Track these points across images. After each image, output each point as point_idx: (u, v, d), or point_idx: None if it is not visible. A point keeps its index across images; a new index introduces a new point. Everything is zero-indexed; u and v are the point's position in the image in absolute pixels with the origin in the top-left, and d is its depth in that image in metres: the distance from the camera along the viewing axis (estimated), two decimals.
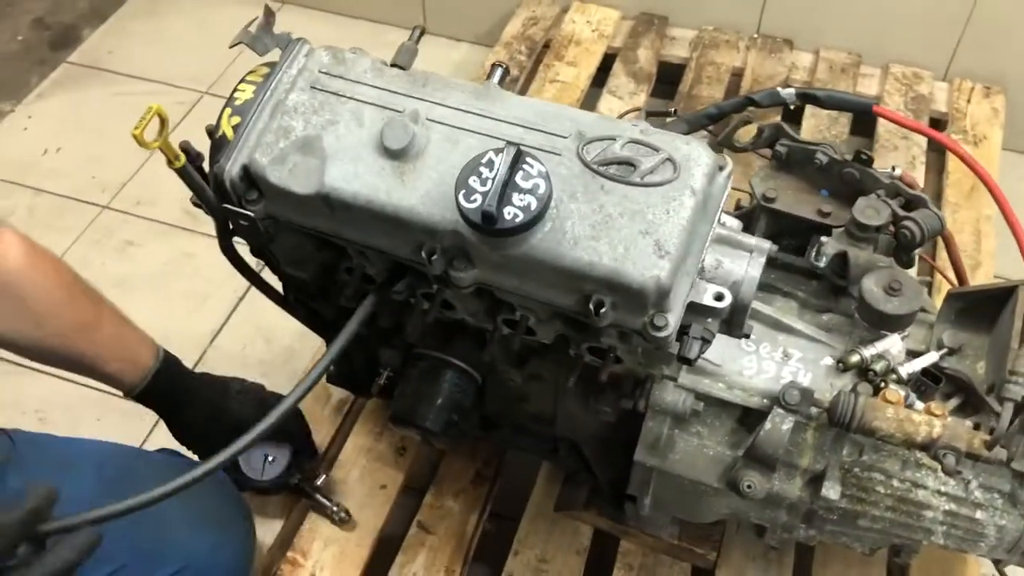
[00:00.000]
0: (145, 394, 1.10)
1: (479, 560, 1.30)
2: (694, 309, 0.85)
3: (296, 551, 1.25)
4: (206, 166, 0.93)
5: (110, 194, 1.92)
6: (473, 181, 0.79)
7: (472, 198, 0.78)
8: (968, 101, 1.86)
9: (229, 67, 2.11)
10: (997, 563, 1.19)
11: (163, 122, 0.83)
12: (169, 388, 1.12)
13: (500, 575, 1.26)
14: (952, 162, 1.72)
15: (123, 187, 1.93)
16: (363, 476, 1.33)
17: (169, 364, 1.12)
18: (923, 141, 1.75)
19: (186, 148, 0.91)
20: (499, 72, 0.91)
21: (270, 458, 1.26)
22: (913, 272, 1.45)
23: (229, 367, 1.26)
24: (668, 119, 1.36)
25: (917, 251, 1.06)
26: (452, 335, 1.07)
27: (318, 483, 1.29)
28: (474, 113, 0.86)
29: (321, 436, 1.37)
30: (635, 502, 1.10)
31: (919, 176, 1.70)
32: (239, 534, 1.17)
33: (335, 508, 1.26)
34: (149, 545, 1.05)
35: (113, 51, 2.25)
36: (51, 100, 2.14)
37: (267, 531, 1.27)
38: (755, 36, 1.99)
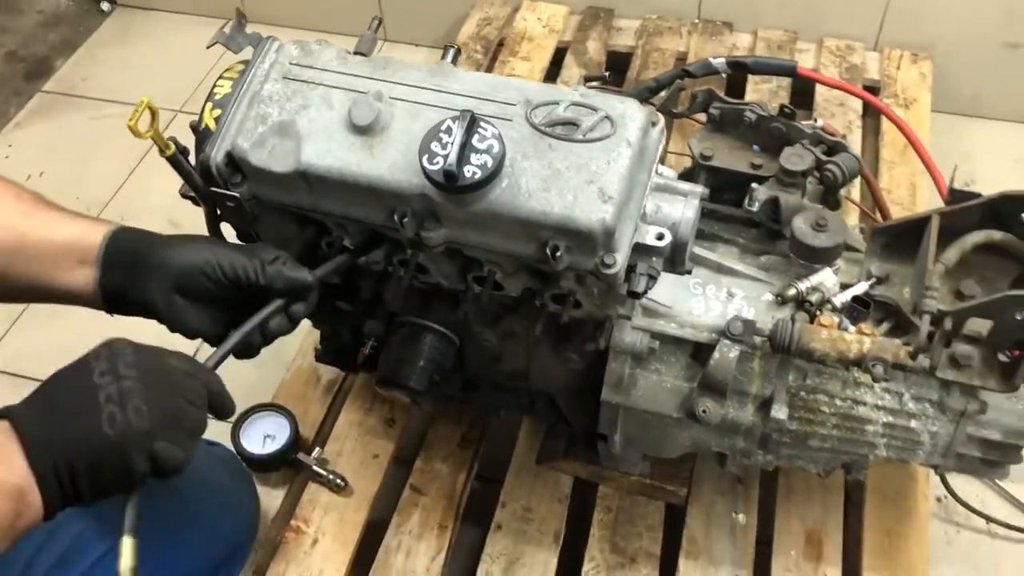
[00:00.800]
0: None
1: (469, 516, 1.39)
2: (639, 249, 0.95)
3: (299, 519, 1.34)
4: (192, 160, 1.03)
5: (95, 212, 2.00)
6: (435, 146, 0.89)
7: (435, 161, 0.88)
8: (898, 68, 1.98)
9: (200, 85, 2.20)
10: (939, 473, 1.31)
11: (153, 114, 0.92)
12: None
13: (489, 527, 1.35)
14: (886, 123, 1.83)
15: (107, 205, 2.02)
16: (356, 448, 1.42)
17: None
18: (858, 106, 1.87)
19: (174, 142, 1.01)
20: (451, 52, 1.02)
21: (270, 435, 1.37)
22: (853, 220, 1.57)
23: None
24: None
25: (843, 193, 1.17)
26: (429, 301, 1.17)
27: (315, 456, 1.38)
28: (431, 89, 0.97)
29: (314, 414, 1.47)
30: (607, 441, 1.21)
31: (856, 139, 1.82)
32: (245, 506, 1.26)
33: (332, 477, 1.36)
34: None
35: (87, 78, 2.34)
36: (29, 128, 2.23)
37: (271, 503, 1.36)
38: (696, 21, 2.11)
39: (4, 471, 0.71)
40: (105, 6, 2.55)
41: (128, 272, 0.91)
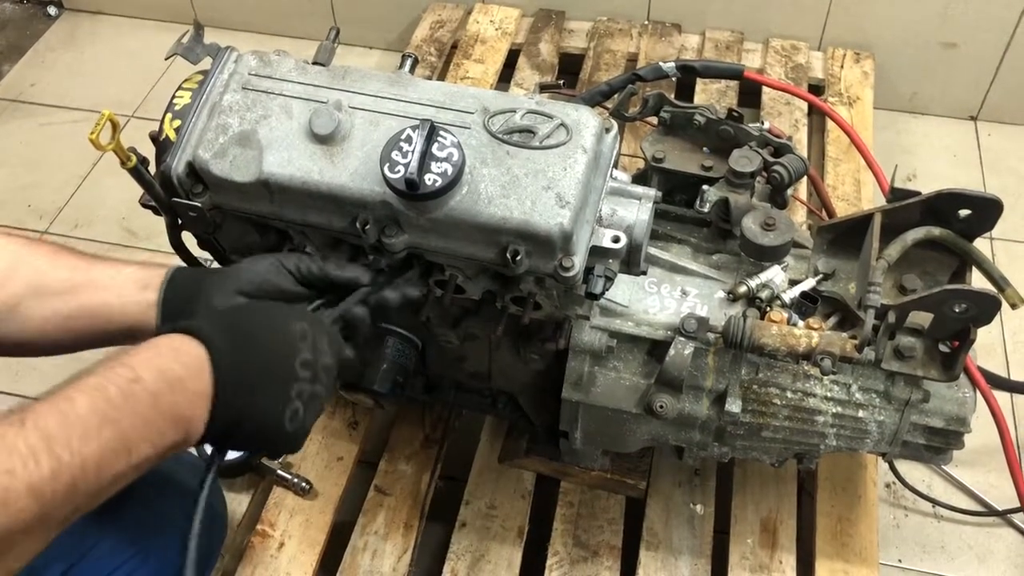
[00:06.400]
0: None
1: (434, 515, 1.41)
2: (596, 252, 0.98)
3: (265, 523, 1.35)
4: (152, 170, 1.04)
5: (48, 220, 1.98)
6: (395, 155, 0.91)
7: (396, 169, 0.90)
8: (841, 67, 2.04)
9: (152, 90, 2.19)
10: (887, 461, 1.36)
11: (115, 127, 0.93)
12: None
13: (454, 525, 1.38)
14: (831, 121, 1.89)
15: (60, 212, 2.00)
16: (320, 451, 1.44)
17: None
18: (804, 104, 1.92)
19: (134, 153, 1.02)
20: (409, 61, 1.04)
21: None
22: (800, 218, 1.62)
23: None
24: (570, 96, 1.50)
25: (790, 192, 1.21)
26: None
27: (279, 460, 1.39)
28: (390, 98, 0.99)
29: None
30: (568, 438, 1.24)
31: (802, 136, 1.87)
32: (213, 511, 1.26)
33: (297, 480, 1.37)
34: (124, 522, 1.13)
35: (36, 83, 2.30)
36: None
37: (236, 507, 1.37)
38: (646, 23, 2.15)
39: (187, 405, 0.73)
40: (52, 10, 2.51)
41: (191, 289, 0.93)
